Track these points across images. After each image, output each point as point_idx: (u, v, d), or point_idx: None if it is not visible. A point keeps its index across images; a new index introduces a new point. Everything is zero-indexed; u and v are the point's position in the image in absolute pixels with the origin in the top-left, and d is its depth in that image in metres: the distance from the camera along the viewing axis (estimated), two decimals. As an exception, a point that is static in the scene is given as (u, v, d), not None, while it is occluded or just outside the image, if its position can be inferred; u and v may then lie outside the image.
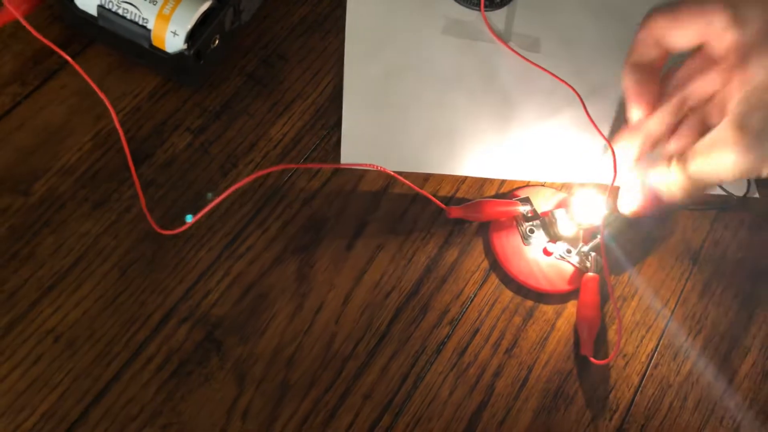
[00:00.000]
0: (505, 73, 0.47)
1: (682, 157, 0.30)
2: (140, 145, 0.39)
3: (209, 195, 0.38)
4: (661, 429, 0.38)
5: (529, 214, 0.40)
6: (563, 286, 0.40)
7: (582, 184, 0.43)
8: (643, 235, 0.43)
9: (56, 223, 0.36)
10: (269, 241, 0.38)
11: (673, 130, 0.34)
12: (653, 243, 0.43)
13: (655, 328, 0.41)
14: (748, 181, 0.46)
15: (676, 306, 0.42)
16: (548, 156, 0.44)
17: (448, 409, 0.36)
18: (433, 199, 0.40)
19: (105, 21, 0.38)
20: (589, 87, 0.47)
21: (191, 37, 0.37)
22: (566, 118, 0.46)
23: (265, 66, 0.43)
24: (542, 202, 0.42)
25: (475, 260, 0.40)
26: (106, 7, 0.37)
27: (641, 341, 0.40)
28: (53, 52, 0.39)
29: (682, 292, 0.42)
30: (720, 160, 0.27)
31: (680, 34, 0.30)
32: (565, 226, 0.40)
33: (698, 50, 0.32)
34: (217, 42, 0.40)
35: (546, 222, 0.41)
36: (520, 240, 0.40)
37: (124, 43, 0.39)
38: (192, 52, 0.37)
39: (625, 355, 0.40)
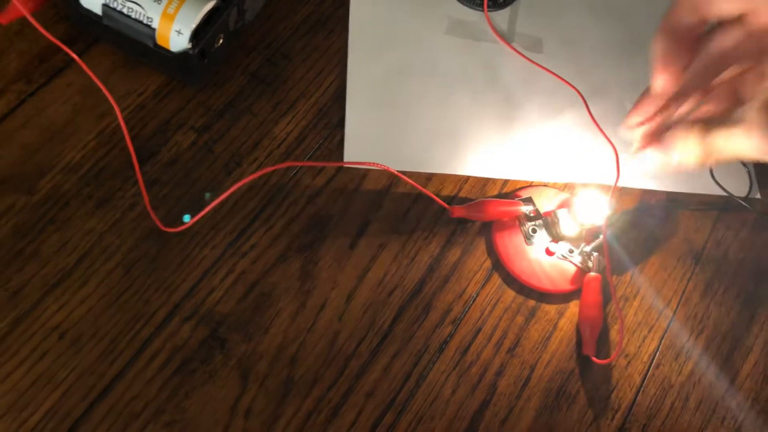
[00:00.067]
0: (508, 73, 0.47)
1: (704, 126, 0.29)
2: (144, 143, 0.39)
3: (207, 195, 0.38)
4: (662, 429, 0.38)
5: (532, 214, 0.41)
6: (565, 286, 0.40)
7: (584, 185, 0.43)
8: (645, 235, 0.44)
9: (61, 221, 0.36)
10: (273, 239, 0.38)
11: (700, 97, 0.32)
12: (655, 243, 0.44)
13: (657, 328, 0.41)
14: (750, 182, 0.46)
15: (678, 306, 0.42)
16: (551, 156, 0.44)
17: (450, 408, 0.36)
18: (436, 198, 0.40)
19: (110, 20, 0.38)
20: (592, 87, 0.47)
21: (195, 36, 0.38)
22: (569, 119, 0.46)
23: (269, 65, 0.43)
24: (545, 202, 0.42)
25: (478, 260, 0.40)
26: (111, 6, 0.38)
27: (643, 341, 0.40)
28: (58, 51, 0.39)
29: (684, 292, 0.42)
30: (742, 140, 0.27)
31: (725, 0, 0.29)
32: (568, 226, 0.40)
33: (737, 20, 0.30)
34: (221, 41, 0.40)
35: (548, 222, 0.41)
36: (523, 240, 0.40)
37: (129, 42, 0.39)
38: (196, 51, 0.37)
39: (627, 355, 0.40)
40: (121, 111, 0.39)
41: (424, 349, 0.37)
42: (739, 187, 0.46)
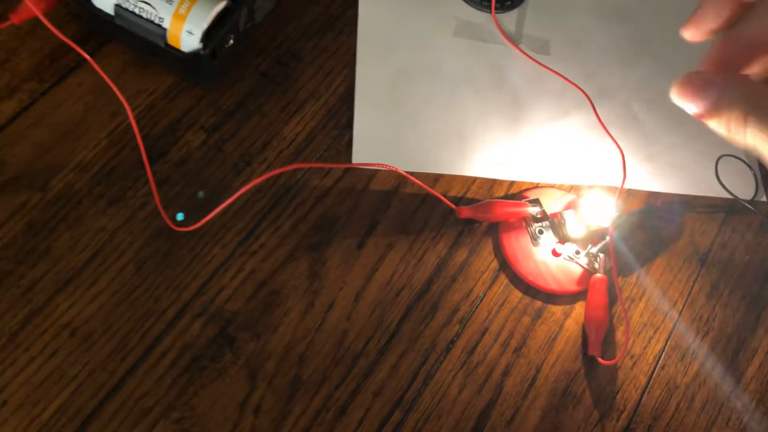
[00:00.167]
0: (515, 74, 0.47)
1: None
2: (155, 142, 0.39)
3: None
4: (668, 429, 0.39)
5: (539, 215, 0.41)
6: (572, 287, 0.40)
7: (591, 186, 0.44)
8: (651, 237, 0.44)
9: (73, 219, 0.36)
10: (282, 239, 0.38)
11: None
12: (661, 245, 0.44)
13: (662, 329, 0.41)
14: (756, 185, 0.47)
15: (683, 307, 0.42)
16: (558, 158, 0.45)
17: (457, 407, 0.37)
18: (444, 199, 0.40)
19: (121, 20, 0.38)
20: (599, 89, 0.47)
21: (206, 36, 0.38)
22: (576, 120, 0.46)
23: (279, 65, 0.43)
24: (551, 203, 0.42)
25: (485, 260, 0.41)
26: (123, 6, 0.38)
27: (649, 342, 0.41)
28: (70, 50, 0.40)
29: (689, 293, 0.43)
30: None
31: None
32: (574, 227, 0.41)
33: None
34: (231, 41, 0.40)
35: (555, 223, 0.41)
36: (530, 241, 0.41)
37: (140, 42, 0.39)
38: (207, 51, 0.38)
39: (632, 356, 0.40)
40: (132, 110, 0.39)
41: (431, 348, 0.38)
42: (745, 189, 0.46)
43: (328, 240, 0.39)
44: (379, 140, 0.42)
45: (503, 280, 0.40)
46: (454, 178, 0.42)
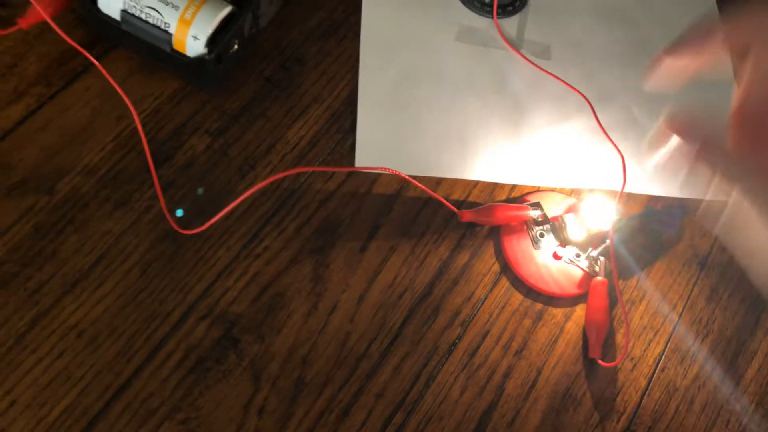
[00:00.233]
0: (517, 79, 0.47)
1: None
2: (160, 146, 0.40)
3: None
4: (667, 431, 0.39)
5: (540, 219, 0.41)
6: (572, 290, 0.41)
7: (591, 190, 0.44)
8: (651, 241, 0.44)
9: (79, 222, 0.37)
10: (286, 242, 0.39)
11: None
12: (661, 248, 0.44)
13: (662, 331, 0.42)
14: (756, 189, 0.47)
15: (683, 310, 0.43)
16: (558, 161, 0.45)
17: (458, 409, 0.37)
18: (446, 202, 0.41)
19: (128, 25, 0.39)
20: (599, 93, 0.48)
21: (212, 41, 0.38)
22: (576, 124, 0.46)
23: (283, 70, 0.44)
24: (552, 206, 0.42)
25: (486, 263, 0.41)
26: (129, 11, 0.38)
27: (649, 345, 0.41)
28: (77, 55, 0.40)
29: (689, 296, 0.43)
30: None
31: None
32: (575, 230, 0.41)
33: None
34: (236, 47, 0.40)
35: (556, 226, 0.41)
36: (531, 244, 0.41)
37: (146, 47, 0.39)
38: (212, 56, 0.38)
39: (632, 359, 0.40)
40: (138, 114, 0.40)
41: (433, 350, 0.38)
42: (744, 193, 0.47)
43: (331, 243, 0.39)
44: (382, 144, 0.43)
45: (504, 283, 0.41)
46: (456, 182, 0.43)
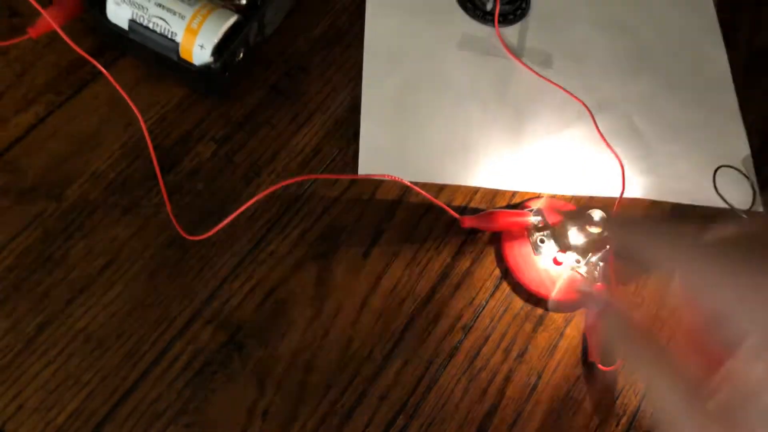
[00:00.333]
0: (518, 87, 0.48)
1: None
2: (167, 153, 0.40)
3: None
4: (666, 435, 0.40)
5: (540, 225, 0.42)
6: (573, 295, 0.41)
7: (592, 196, 0.45)
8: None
9: (87, 228, 0.37)
10: (290, 248, 0.39)
11: None
12: (660, 254, 0.45)
13: (661, 335, 0.42)
14: (753, 195, 0.48)
15: (682, 316, 0.43)
16: (559, 168, 0.46)
17: (460, 412, 0.37)
18: (447, 209, 0.41)
19: (136, 34, 0.39)
20: (599, 101, 0.48)
21: (218, 50, 0.39)
22: (577, 132, 0.47)
23: (288, 78, 0.44)
24: (553, 213, 0.43)
25: (487, 269, 0.42)
26: (137, 21, 0.39)
27: (648, 350, 0.42)
28: (86, 63, 0.41)
29: (688, 302, 0.43)
30: None
31: None
32: (575, 237, 0.41)
33: None
34: (242, 55, 0.41)
35: (556, 233, 0.42)
36: (531, 250, 0.42)
37: (154, 56, 0.40)
38: (218, 64, 0.39)
39: (632, 363, 0.41)
40: (145, 122, 0.41)
41: (435, 354, 0.38)
42: (742, 199, 0.47)
43: (334, 249, 0.40)
44: (385, 151, 0.43)
45: (505, 288, 0.41)
46: (457, 189, 0.43)
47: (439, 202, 0.41)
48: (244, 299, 0.38)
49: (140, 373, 0.35)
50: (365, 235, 0.41)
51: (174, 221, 0.38)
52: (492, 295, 0.41)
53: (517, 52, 0.49)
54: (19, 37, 0.40)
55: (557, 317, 0.41)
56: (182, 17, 0.39)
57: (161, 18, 0.39)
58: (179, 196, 0.39)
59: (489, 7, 0.50)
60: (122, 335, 0.36)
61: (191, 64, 0.40)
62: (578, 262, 0.41)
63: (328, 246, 0.40)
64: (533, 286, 0.41)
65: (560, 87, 0.48)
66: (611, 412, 0.39)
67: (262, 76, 0.44)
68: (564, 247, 0.42)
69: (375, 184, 0.42)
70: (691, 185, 0.47)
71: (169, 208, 0.38)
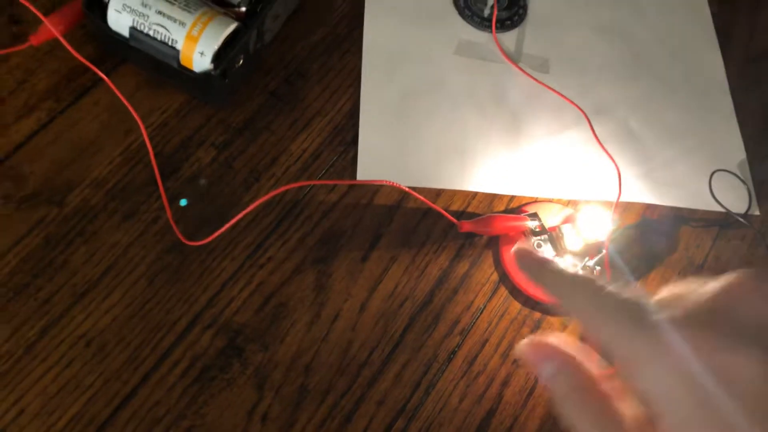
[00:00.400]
0: (515, 92, 0.48)
1: None
2: (167, 159, 0.41)
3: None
4: (663, 438, 0.40)
5: (537, 229, 0.42)
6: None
7: (588, 201, 0.45)
8: (647, 250, 0.45)
9: (88, 234, 0.38)
10: (289, 252, 0.40)
11: None
12: (657, 258, 0.45)
13: (658, 340, 0.42)
14: (750, 199, 0.48)
15: (678, 319, 0.43)
16: (556, 173, 0.46)
17: (458, 416, 0.38)
18: (445, 213, 0.42)
19: (136, 41, 0.40)
20: (595, 106, 0.49)
21: (217, 57, 0.39)
22: (574, 137, 0.47)
23: (287, 84, 0.45)
24: (550, 217, 0.43)
25: (485, 273, 0.42)
26: (138, 28, 0.40)
27: (645, 353, 0.42)
28: (86, 71, 0.41)
29: (684, 306, 0.44)
30: None
31: None
32: (572, 240, 0.42)
33: None
34: (241, 62, 0.42)
35: (553, 237, 0.42)
36: (529, 254, 0.42)
37: (154, 63, 0.40)
38: (218, 71, 0.39)
39: (629, 367, 0.41)
40: (146, 128, 0.41)
41: (433, 358, 0.39)
42: (738, 203, 0.47)
43: (333, 253, 0.40)
44: (383, 156, 0.44)
45: (503, 292, 0.42)
46: (455, 193, 0.44)
47: (437, 207, 0.42)
48: (244, 304, 0.38)
49: (140, 378, 0.35)
50: (364, 240, 0.41)
51: (174, 227, 0.38)
52: (490, 299, 0.41)
53: (514, 58, 0.50)
54: (20, 45, 0.40)
55: (555, 321, 0.41)
56: (183, 25, 0.39)
57: (162, 25, 0.39)
58: (179, 201, 0.40)
59: (486, 13, 0.51)
60: (123, 340, 0.36)
61: (191, 71, 0.40)
62: (575, 266, 0.42)
63: (327, 250, 0.40)
64: (531, 289, 0.41)
65: (557, 92, 0.48)
66: (608, 416, 0.39)
67: (262, 83, 0.44)
68: (561, 251, 0.42)
69: (374, 189, 0.43)
70: (687, 189, 0.47)
71: (169, 213, 0.39)
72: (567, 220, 0.43)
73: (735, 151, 0.50)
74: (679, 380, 0.18)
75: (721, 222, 0.47)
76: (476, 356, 0.39)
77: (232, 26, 0.40)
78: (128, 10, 0.39)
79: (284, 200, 0.41)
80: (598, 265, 0.42)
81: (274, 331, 0.38)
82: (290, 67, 0.46)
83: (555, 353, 0.23)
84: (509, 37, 0.51)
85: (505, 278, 0.42)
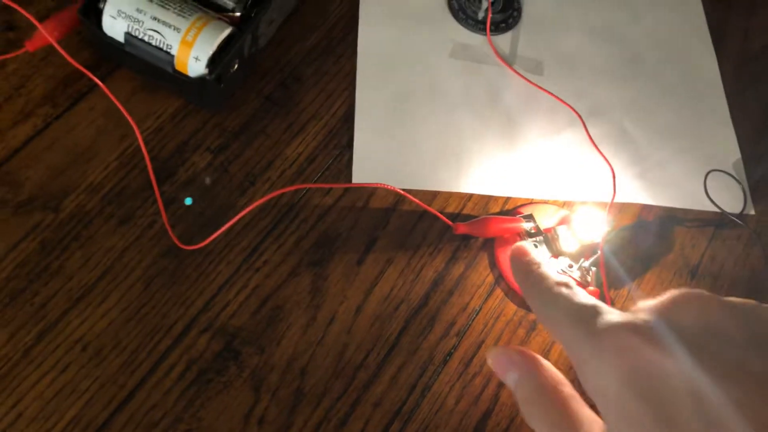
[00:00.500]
0: (510, 94, 0.49)
1: None
2: (163, 164, 0.41)
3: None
4: (659, 438, 0.40)
5: (533, 231, 0.42)
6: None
7: (583, 202, 0.45)
8: (642, 251, 0.45)
9: (84, 239, 0.38)
10: (285, 256, 0.40)
11: None
12: (652, 258, 0.45)
13: (654, 340, 0.42)
14: (744, 199, 0.48)
15: (674, 320, 0.43)
16: (551, 174, 0.46)
17: (454, 418, 0.38)
18: (441, 216, 0.42)
19: (131, 47, 0.40)
20: (590, 108, 0.49)
21: (212, 62, 0.40)
22: (569, 138, 0.48)
23: (282, 88, 0.45)
24: (545, 218, 0.44)
25: (481, 274, 0.42)
26: (133, 34, 0.40)
27: (641, 353, 0.42)
28: (82, 76, 0.41)
29: (680, 306, 0.44)
30: None
31: None
32: (567, 242, 0.42)
33: None
34: (236, 66, 0.42)
35: (548, 238, 0.42)
36: (524, 255, 0.42)
37: (149, 68, 0.41)
38: (213, 76, 0.40)
39: (625, 367, 0.41)
40: (141, 133, 0.41)
41: (429, 360, 0.39)
42: (733, 203, 0.48)
43: (329, 256, 0.40)
44: (379, 159, 0.44)
45: (499, 293, 0.42)
46: (450, 195, 0.44)
47: (433, 210, 0.42)
48: (240, 307, 0.38)
49: (137, 382, 0.35)
50: (359, 243, 0.41)
51: (170, 231, 0.38)
52: (485, 300, 0.41)
53: (508, 60, 0.50)
54: (16, 51, 0.41)
55: (550, 322, 0.41)
56: (177, 30, 0.39)
57: (157, 31, 0.39)
58: (175, 206, 0.40)
59: (481, 15, 0.51)
60: (119, 344, 0.36)
61: (186, 76, 0.40)
62: (570, 267, 0.42)
63: (323, 254, 0.40)
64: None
65: (552, 94, 0.48)
66: (605, 416, 0.40)
67: (257, 87, 0.45)
68: (556, 252, 0.42)
69: (369, 191, 0.43)
70: (682, 190, 0.48)
71: (165, 218, 0.39)
72: (562, 221, 0.43)
73: (730, 151, 0.50)
74: (614, 378, 0.19)
75: (717, 222, 0.47)
76: (472, 358, 0.40)
77: (227, 31, 0.40)
78: (123, 15, 0.39)
79: (280, 204, 0.41)
80: (593, 266, 0.42)
81: (270, 334, 0.38)
82: (285, 71, 0.46)
83: (520, 359, 0.25)
84: (504, 40, 0.51)
85: (500, 280, 0.42)
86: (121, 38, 0.40)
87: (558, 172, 0.46)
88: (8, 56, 0.41)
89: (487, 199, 0.44)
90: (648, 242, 0.46)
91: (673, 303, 0.20)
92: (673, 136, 0.50)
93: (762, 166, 0.50)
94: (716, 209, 0.47)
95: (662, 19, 0.55)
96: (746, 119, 0.52)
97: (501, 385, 0.39)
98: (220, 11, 0.42)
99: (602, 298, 0.42)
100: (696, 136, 0.50)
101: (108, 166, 0.40)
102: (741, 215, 0.47)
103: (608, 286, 0.42)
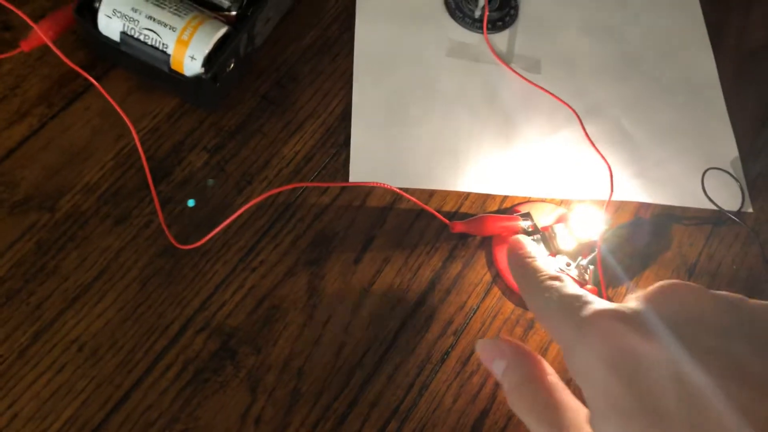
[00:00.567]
0: (507, 93, 0.49)
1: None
2: (159, 163, 0.41)
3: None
4: (658, 437, 0.40)
5: (530, 229, 0.42)
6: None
7: (580, 200, 0.45)
8: (640, 249, 0.45)
9: (80, 239, 0.38)
10: (281, 255, 0.40)
11: None
12: (650, 256, 0.45)
13: (652, 339, 0.42)
14: (742, 197, 0.48)
15: (672, 318, 0.43)
16: (548, 173, 0.46)
17: (451, 417, 0.38)
18: (438, 214, 0.42)
19: (127, 46, 0.40)
20: (587, 106, 0.49)
21: (208, 61, 0.40)
22: (566, 136, 0.48)
23: (278, 87, 0.45)
24: (542, 217, 0.43)
25: (478, 273, 0.42)
26: (129, 33, 0.40)
27: (639, 352, 0.42)
28: (78, 76, 0.41)
29: (678, 304, 0.44)
30: None
31: None
32: (565, 240, 0.42)
33: None
34: (232, 66, 0.42)
35: (546, 236, 0.42)
36: (521, 254, 0.42)
37: (145, 67, 0.41)
38: (209, 75, 0.39)
39: (623, 365, 0.41)
40: (137, 133, 0.41)
41: (426, 359, 0.39)
42: (731, 201, 0.48)
43: (326, 255, 0.40)
44: (376, 158, 0.44)
45: (496, 292, 0.42)
46: (447, 194, 0.44)
47: (430, 208, 0.42)
48: (237, 307, 0.38)
49: (134, 381, 0.35)
50: (357, 242, 0.41)
51: (166, 231, 0.38)
52: (483, 299, 0.41)
53: (506, 59, 0.50)
54: (11, 51, 0.40)
55: (548, 321, 0.41)
56: (173, 29, 0.39)
57: (152, 30, 0.39)
58: (172, 205, 0.40)
59: (477, 14, 0.51)
60: (115, 344, 0.36)
61: (182, 75, 0.40)
62: (568, 265, 0.42)
63: (320, 253, 0.40)
64: (523, 290, 0.41)
65: (549, 92, 0.48)
66: (603, 415, 0.39)
67: (253, 86, 0.45)
68: (554, 250, 0.42)
69: (366, 190, 0.43)
70: (679, 188, 0.48)
71: (161, 217, 0.39)
72: (559, 219, 0.43)
73: (727, 149, 0.50)
74: (599, 363, 0.20)
75: (714, 220, 0.47)
76: (470, 356, 0.39)
77: (223, 30, 0.40)
78: (119, 15, 0.39)
79: (276, 203, 0.41)
80: (591, 265, 0.42)
81: (267, 334, 0.38)
82: (281, 70, 0.46)
83: (507, 349, 0.25)
84: (501, 38, 0.51)
85: (498, 279, 0.42)
86: (116, 38, 0.40)
87: (555, 171, 0.46)
88: (3, 56, 0.41)
89: (485, 198, 0.44)
90: (645, 240, 0.45)
91: (661, 292, 0.21)
92: (671, 134, 0.50)
93: (759, 163, 0.50)
94: (714, 207, 0.47)
95: (659, 17, 0.55)
96: (744, 117, 0.52)
97: (498, 383, 0.39)
98: (216, 10, 0.42)
99: (600, 296, 0.42)
100: (694, 134, 0.50)
101: (104, 166, 0.40)
102: (739, 213, 0.47)
103: (606, 285, 0.42)
